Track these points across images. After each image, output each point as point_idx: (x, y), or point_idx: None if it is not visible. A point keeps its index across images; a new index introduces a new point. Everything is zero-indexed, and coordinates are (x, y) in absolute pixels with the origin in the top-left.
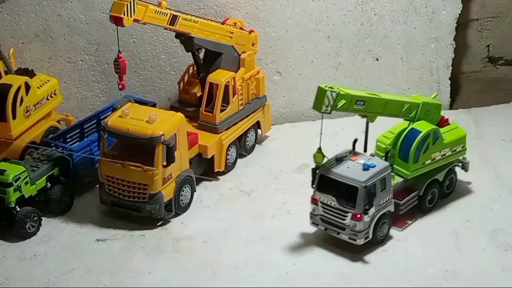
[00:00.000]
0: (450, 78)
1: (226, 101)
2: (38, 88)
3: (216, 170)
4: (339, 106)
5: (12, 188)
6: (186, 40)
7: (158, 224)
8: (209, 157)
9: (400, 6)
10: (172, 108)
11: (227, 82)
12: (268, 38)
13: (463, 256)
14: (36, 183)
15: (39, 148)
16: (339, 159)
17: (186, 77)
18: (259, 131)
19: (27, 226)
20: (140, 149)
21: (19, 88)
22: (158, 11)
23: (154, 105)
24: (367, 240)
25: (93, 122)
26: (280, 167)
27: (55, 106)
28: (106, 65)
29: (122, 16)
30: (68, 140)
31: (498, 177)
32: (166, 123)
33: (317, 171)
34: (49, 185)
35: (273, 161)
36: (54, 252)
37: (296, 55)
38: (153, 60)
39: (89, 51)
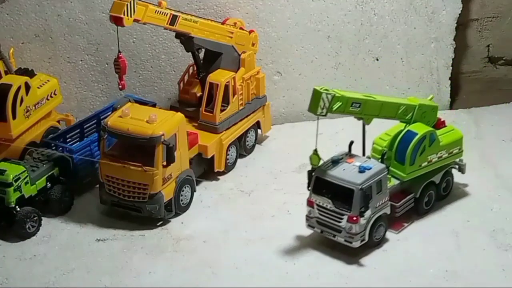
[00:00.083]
0: (450, 78)
1: (226, 101)
2: (38, 88)
3: (216, 170)
4: (334, 108)
5: (12, 188)
6: (186, 40)
7: (158, 224)
8: (209, 157)
9: (400, 6)
10: (172, 108)
11: (227, 82)
12: (268, 38)
13: (463, 256)
14: (36, 183)
15: (39, 148)
16: (335, 161)
17: (186, 77)
18: (259, 131)
19: (27, 226)
20: (140, 149)
21: (19, 88)
22: (158, 11)
23: (154, 105)
24: (363, 242)
25: (93, 122)
26: (280, 167)
27: (55, 106)
28: (106, 65)
29: (122, 16)
30: (68, 140)
31: (498, 177)
32: (166, 123)
33: (313, 173)
34: (49, 185)
35: (273, 161)
36: (54, 252)
37: (296, 55)
38: (153, 60)
39: (89, 51)
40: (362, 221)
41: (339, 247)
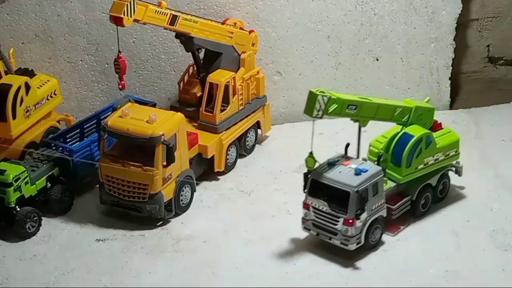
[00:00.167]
0: (450, 78)
1: (226, 101)
2: (38, 88)
3: (216, 170)
4: (330, 111)
5: (12, 188)
6: (186, 40)
7: (158, 224)
8: (209, 157)
9: (400, 6)
10: (172, 108)
11: (227, 82)
12: (268, 38)
13: (463, 256)
14: (36, 183)
15: (39, 148)
16: (331, 164)
17: (186, 77)
18: (259, 131)
19: (27, 226)
20: (140, 149)
21: (19, 88)
22: (158, 11)
23: (154, 105)
24: (359, 245)
25: (93, 122)
26: (280, 167)
27: (55, 106)
28: (106, 65)
29: (122, 16)
30: (68, 140)
31: (498, 177)
32: (166, 123)
33: (309, 176)
34: (49, 185)
35: (273, 161)
36: (54, 252)
37: (296, 55)
38: (153, 60)
39: (89, 51)
40: (358, 223)
41: (339, 248)
